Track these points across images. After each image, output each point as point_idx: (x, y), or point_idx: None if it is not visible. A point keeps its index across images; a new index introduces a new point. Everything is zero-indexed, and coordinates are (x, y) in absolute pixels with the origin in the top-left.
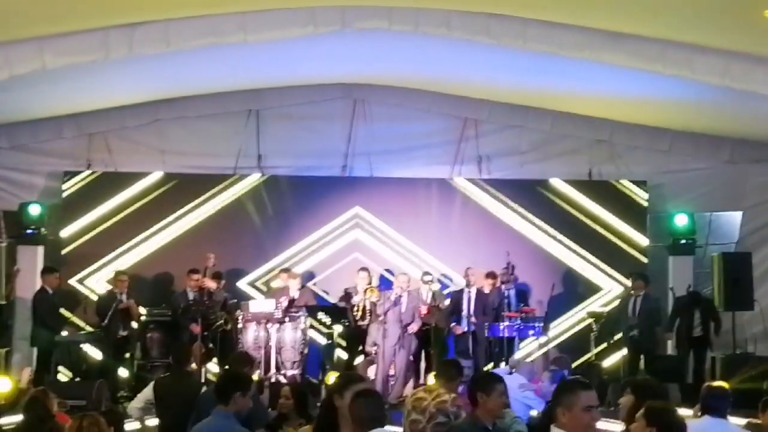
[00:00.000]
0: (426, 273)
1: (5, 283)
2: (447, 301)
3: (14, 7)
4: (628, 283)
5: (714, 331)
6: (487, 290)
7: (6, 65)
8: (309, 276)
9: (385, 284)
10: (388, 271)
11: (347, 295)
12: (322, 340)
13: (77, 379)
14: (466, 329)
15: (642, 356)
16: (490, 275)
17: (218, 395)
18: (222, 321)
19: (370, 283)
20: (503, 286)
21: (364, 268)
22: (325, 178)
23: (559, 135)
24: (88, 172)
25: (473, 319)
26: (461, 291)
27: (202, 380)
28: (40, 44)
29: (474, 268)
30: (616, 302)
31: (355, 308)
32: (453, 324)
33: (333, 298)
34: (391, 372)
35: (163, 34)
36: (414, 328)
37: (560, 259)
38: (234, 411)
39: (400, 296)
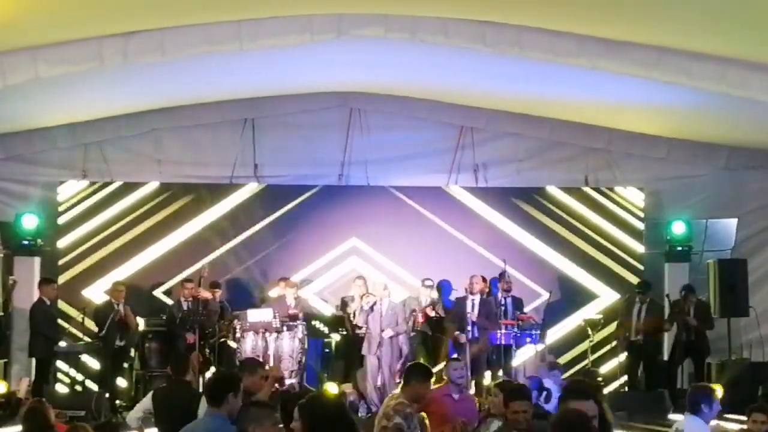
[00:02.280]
0: (426, 279)
1: (2, 294)
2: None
3: (7, 16)
4: (625, 290)
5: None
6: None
7: None
8: (306, 284)
9: None
10: None
11: (344, 304)
12: (320, 349)
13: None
14: (470, 337)
15: (641, 362)
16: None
17: (211, 397)
18: (219, 331)
19: (366, 292)
20: (500, 294)
21: (360, 277)
22: (321, 186)
23: (556, 142)
24: (84, 182)
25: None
26: (464, 298)
27: (201, 390)
28: (33, 54)
29: (477, 275)
30: (613, 309)
31: (352, 316)
32: (457, 333)
33: (330, 307)
34: (380, 380)
35: (157, 43)
36: (389, 333)
37: (557, 266)
38: (227, 413)
39: (374, 304)
